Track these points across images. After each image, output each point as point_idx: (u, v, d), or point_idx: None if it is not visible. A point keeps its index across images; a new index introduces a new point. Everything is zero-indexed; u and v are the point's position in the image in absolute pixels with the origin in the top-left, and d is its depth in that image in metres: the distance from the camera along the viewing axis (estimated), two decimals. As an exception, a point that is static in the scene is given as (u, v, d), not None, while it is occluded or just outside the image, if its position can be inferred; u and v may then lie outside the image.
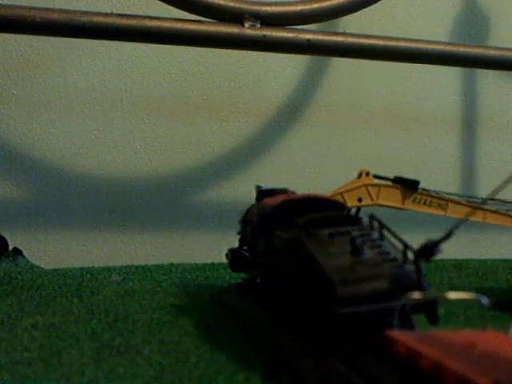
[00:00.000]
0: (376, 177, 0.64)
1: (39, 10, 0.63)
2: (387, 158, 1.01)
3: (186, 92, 0.92)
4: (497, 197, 0.67)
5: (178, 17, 0.67)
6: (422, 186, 0.65)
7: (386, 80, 1.01)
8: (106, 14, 0.65)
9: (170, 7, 0.68)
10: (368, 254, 0.35)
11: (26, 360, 0.40)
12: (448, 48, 0.75)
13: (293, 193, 0.54)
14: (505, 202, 0.65)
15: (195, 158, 0.92)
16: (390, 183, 0.63)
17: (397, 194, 0.63)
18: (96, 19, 0.64)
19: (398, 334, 0.28)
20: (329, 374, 0.33)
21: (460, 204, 0.63)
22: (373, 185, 0.63)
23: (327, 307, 0.33)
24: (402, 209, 0.63)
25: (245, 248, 0.56)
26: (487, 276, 0.78)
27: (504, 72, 0.98)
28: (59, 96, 0.87)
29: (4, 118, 0.85)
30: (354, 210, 0.57)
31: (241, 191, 0.94)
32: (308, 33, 0.70)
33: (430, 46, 0.74)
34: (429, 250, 0.32)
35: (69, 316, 0.52)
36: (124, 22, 0.64)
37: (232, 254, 0.58)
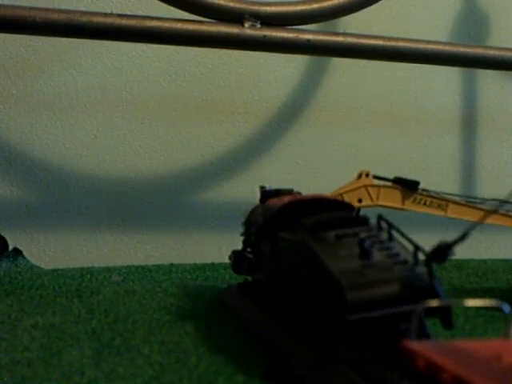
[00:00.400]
0: (376, 177, 0.63)
1: (39, 10, 0.63)
2: (387, 157, 1.01)
3: (186, 92, 0.92)
4: (497, 197, 0.67)
5: (178, 17, 0.67)
6: (421, 185, 0.65)
7: (386, 80, 1.01)
8: (105, 14, 0.65)
9: (170, 7, 0.68)
10: (377, 256, 0.34)
11: (26, 360, 0.40)
12: (448, 48, 0.75)
13: (299, 193, 0.53)
14: (505, 201, 0.65)
15: (195, 158, 0.92)
16: (389, 184, 0.63)
17: (397, 194, 0.63)
18: (96, 19, 0.64)
19: (415, 345, 0.26)
20: (329, 375, 0.33)
21: (460, 204, 0.63)
22: (373, 185, 0.63)
23: (336, 313, 0.32)
24: (402, 209, 0.63)
25: (249, 250, 0.55)
26: (487, 276, 0.78)
27: (504, 72, 0.98)
28: (59, 96, 0.87)
29: (4, 118, 0.85)
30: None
31: (241, 191, 0.94)
32: (308, 33, 0.70)
33: (430, 46, 0.74)
34: (442, 252, 0.31)
35: (69, 316, 0.52)
36: (124, 22, 0.64)
37: (235, 256, 0.57)
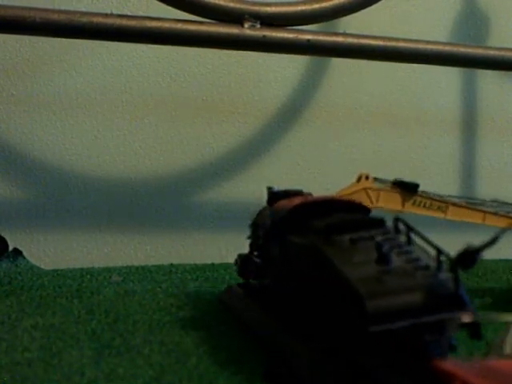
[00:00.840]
0: (376, 180, 0.63)
1: (39, 10, 0.63)
2: (387, 158, 1.01)
3: (186, 92, 0.92)
4: (496, 198, 0.67)
5: (178, 17, 0.67)
6: (421, 185, 0.65)
7: (386, 80, 1.01)
8: (105, 15, 0.65)
9: (170, 8, 0.68)
10: (396, 261, 0.32)
11: (26, 361, 0.40)
12: (448, 48, 0.75)
13: (309, 194, 0.51)
14: (505, 203, 0.65)
15: (195, 158, 0.92)
16: (389, 186, 0.63)
17: (396, 197, 0.63)
18: (96, 20, 0.64)
19: (450, 365, 0.24)
20: (330, 375, 0.33)
21: (460, 206, 0.63)
22: (372, 188, 0.62)
23: (354, 324, 0.30)
24: (402, 212, 0.63)
25: (255, 253, 0.53)
26: (487, 276, 0.78)
27: (504, 72, 0.98)
28: (59, 97, 0.87)
29: (4, 119, 0.85)
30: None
31: (241, 192, 0.94)
32: (308, 33, 0.70)
33: (430, 46, 0.74)
34: (469, 256, 0.29)
35: (69, 316, 0.52)
36: (124, 22, 0.64)
37: (242, 260, 0.55)
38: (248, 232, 0.56)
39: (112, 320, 0.51)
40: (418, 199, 0.63)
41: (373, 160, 1.00)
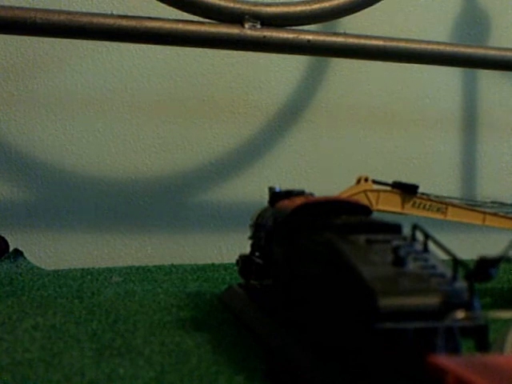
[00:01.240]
0: (375, 182, 0.63)
1: (39, 11, 0.63)
2: (387, 158, 1.01)
3: (187, 92, 0.92)
4: (496, 198, 0.67)
5: (179, 18, 0.67)
6: (422, 185, 0.65)
7: (386, 80, 1.01)
8: (106, 15, 0.65)
9: (171, 8, 0.68)
10: (412, 266, 0.32)
11: (26, 361, 0.40)
12: (448, 48, 0.75)
13: (311, 195, 0.51)
14: (504, 204, 0.65)
15: (196, 158, 0.93)
16: (389, 188, 0.63)
17: (396, 198, 0.63)
18: (96, 20, 0.64)
19: (444, 360, 0.24)
20: (330, 376, 0.33)
21: (460, 207, 0.63)
22: (372, 190, 0.62)
23: (364, 321, 0.29)
24: (402, 213, 0.63)
25: (257, 254, 0.52)
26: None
27: (504, 72, 0.98)
28: (59, 97, 0.87)
29: (4, 119, 0.85)
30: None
31: (241, 192, 0.94)
32: (308, 33, 0.70)
33: (430, 47, 0.74)
34: (486, 269, 0.29)
35: (69, 317, 0.52)
36: (124, 23, 0.65)
37: (243, 261, 0.54)
38: (249, 232, 0.56)
39: (113, 320, 0.51)
40: (418, 201, 0.63)
41: (373, 160, 1.00)
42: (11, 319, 0.51)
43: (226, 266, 0.77)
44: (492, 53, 0.77)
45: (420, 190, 0.64)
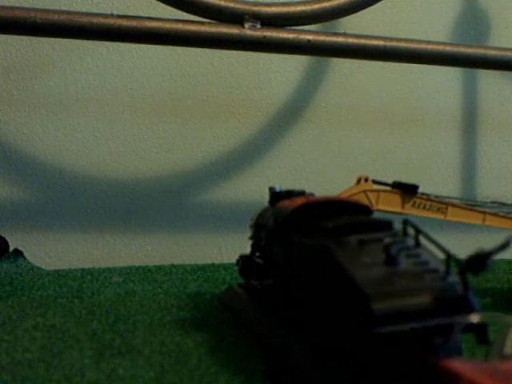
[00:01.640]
0: (375, 182, 0.63)
1: (39, 11, 0.63)
2: (387, 158, 1.01)
3: (187, 92, 0.92)
4: (496, 198, 0.67)
5: (179, 18, 0.67)
6: (422, 185, 0.65)
7: (387, 80, 1.01)
8: (106, 16, 0.65)
9: (171, 8, 0.68)
10: (404, 263, 0.32)
11: (26, 361, 0.40)
12: (448, 48, 0.75)
13: (311, 195, 0.51)
14: (504, 204, 0.65)
15: (196, 158, 0.93)
16: (389, 188, 0.63)
17: (396, 198, 0.63)
18: (96, 20, 0.64)
19: (457, 365, 0.24)
20: (330, 376, 0.33)
21: (460, 207, 0.63)
22: (372, 190, 0.62)
23: (361, 325, 0.29)
24: (402, 213, 0.63)
25: (257, 254, 0.52)
26: (487, 276, 0.78)
27: (504, 72, 0.98)
28: (59, 97, 0.87)
29: (4, 119, 0.85)
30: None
31: (241, 192, 0.94)
32: (308, 33, 0.70)
33: (430, 46, 0.74)
34: (480, 261, 0.29)
35: (69, 317, 0.52)
36: (124, 23, 0.64)
37: (244, 261, 0.54)
38: (249, 232, 0.56)
39: (113, 320, 0.51)
40: (418, 201, 0.63)
41: (373, 160, 1.00)
42: (11, 319, 0.51)
43: (225, 266, 0.77)
44: (492, 53, 0.77)
45: (420, 189, 0.64)
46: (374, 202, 0.62)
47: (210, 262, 0.84)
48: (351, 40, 0.71)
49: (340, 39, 0.71)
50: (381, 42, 0.72)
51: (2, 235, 0.80)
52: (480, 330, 0.29)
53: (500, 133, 1.08)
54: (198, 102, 0.93)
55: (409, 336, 0.28)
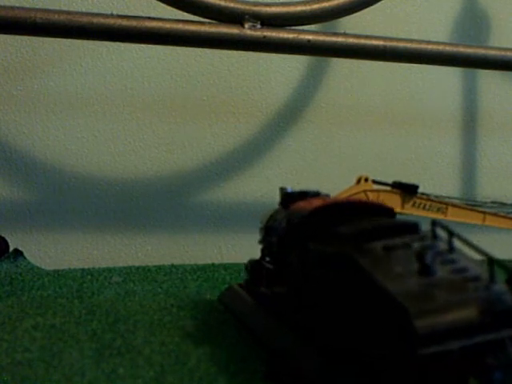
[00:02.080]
0: (375, 182, 0.63)
1: (39, 11, 0.63)
2: (387, 158, 1.01)
3: (187, 92, 0.92)
4: (496, 198, 0.67)
5: (179, 18, 0.67)
6: (422, 185, 0.65)
7: (387, 80, 1.01)
8: (106, 16, 0.65)
9: (171, 8, 0.68)
10: (441, 272, 0.28)
11: (26, 361, 0.40)
12: (448, 48, 0.75)
13: (326, 196, 0.47)
14: (504, 204, 0.65)
15: (196, 158, 0.93)
16: (389, 188, 0.63)
17: (396, 198, 0.63)
18: (96, 20, 0.64)
19: None
20: (330, 376, 0.33)
21: (460, 207, 0.63)
22: (372, 190, 0.62)
23: (400, 345, 0.26)
24: (402, 213, 0.63)
25: (267, 259, 0.49)
26: (487, 276, 0.77)
27: (504, 72, 0.98)
28: (59, 97, 0.87)
29: (4, 119, 0.85)
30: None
31: (241, 192, 0.94)
32: (308, 33, 0.70)
33: (430, 46, 0.74)
34: None
35: (69, 317, 0.52)
36: (124, 23, 0.64)
37: (253, 266, 0.50)
38: (257, 234, 0.52)
39: (112, 320, 0.51)
40: (418, 201, 0.63)
41: (373, 160, 1.00)
42: (11, 319, 0.51)
43: (225, 266, 0.77)
44: (492, 53, 0.77)
45: (420, 189, 0.64)
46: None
47: (209, 261, 0.84)
48: (351, 40, 0.71)
49: (340, 39, 0.71)
50: (381, 42, 0.72)
51: (2, 235, 0.80)
52: None
53: (500, 133, 1.08)
54: (198, 102, 0.93)
55: (456, 356, 0.25)
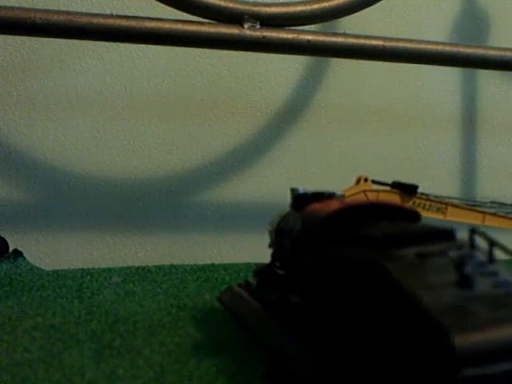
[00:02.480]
0: (374, 182, 0.63)
1: (39, 11, 0.63)
2: (388, 158, 1.01)
3: (186, 93, 0.92)
4: (496, 198, 0.67)
5: (178, 18, 0.67)
6: (421, 185, 0.65)
7: (386, 80, 1.01)
8: (105, 16, 0.65)
9: (170, 8, 0.68)
10: (481, 284, 0.26)
11: (26, 361, 0.40)
12: (448, 48, 0.75)
13: (341, 197, 0.44)
14: (504, 204, 0.65)
15: (195, 158, 0.93)
16: (388, 188, 0.63)
17: (396, 198, 0.63)
18: (96, 21, 0.64)
19: None
20: (329, 375, 0.33)
21: (459, 207, 0.64)
22: (372, 190, 0.62)
23: (434, 367, 0.23)
24: None
25: (277, 264, 0.45)
26: (487, 276, 0.77)
27: (504, 72, 0.98)
28: (59, 97, 0.87)
29: (4, 119, 0.85)
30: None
31: (241, 192, 0.94)
32: (308, 34, 0.70)
33: (430, 46, 0.74)
34: None
35: (69, 317, 0.52)
36: (124, 23, 0.64)
37: (262, 272, 0.47)
38: (268, 238, 0.49)
39: (112, 321, 0.51)
40: (417, 201, 0.63)
41: (373, 160, 1.00)
42: (11, 319, 0.51)
43: (225, 267, 0.77)
44: (491, 53, 0.77)
45: (420, 190, 0.64)
46: (373, 202, 0.62)
47: (209, 262, 0.84)
48: (351, 40, 0.71)
49: (340, 39, 0.71)
50: (380, 42, 0.72)
51: (2, 235, 0.80)
52: None
53: (500, 133, 1.08)
54: (198, 102, 0.93)
55: (500, 381, 0.23)
